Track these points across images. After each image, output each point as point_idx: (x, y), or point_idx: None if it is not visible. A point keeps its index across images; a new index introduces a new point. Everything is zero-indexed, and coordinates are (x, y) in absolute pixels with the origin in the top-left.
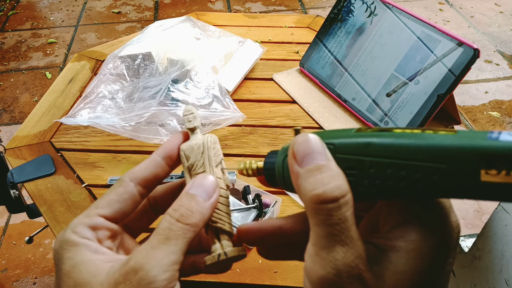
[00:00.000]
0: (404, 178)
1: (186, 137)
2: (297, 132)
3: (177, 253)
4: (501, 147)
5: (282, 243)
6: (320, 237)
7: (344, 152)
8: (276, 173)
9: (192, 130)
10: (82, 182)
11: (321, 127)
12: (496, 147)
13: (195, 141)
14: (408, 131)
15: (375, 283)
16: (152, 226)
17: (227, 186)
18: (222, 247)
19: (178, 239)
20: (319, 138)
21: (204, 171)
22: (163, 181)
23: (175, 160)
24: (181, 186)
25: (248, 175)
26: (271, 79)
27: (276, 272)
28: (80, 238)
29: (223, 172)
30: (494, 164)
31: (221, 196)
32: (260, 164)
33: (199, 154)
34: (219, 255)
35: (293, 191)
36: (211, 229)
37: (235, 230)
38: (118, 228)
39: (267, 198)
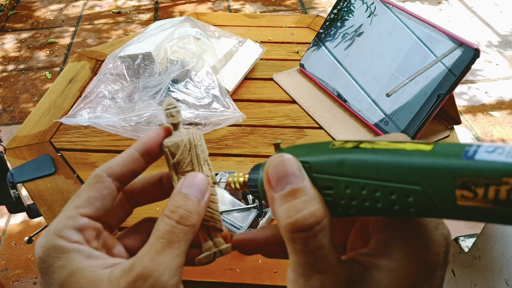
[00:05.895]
0: (380, 199)
1: (168, 133)
2: (277, 147)
3: (181, 255)
4: (476, 169)
5: (277, 250)
6: (297, 265)
7: (319, 171)
8: (259, 190)
9: (175, 125)
10: (82, 182)
11: (321, 127)
12: (471, 169)
13: (179, 138)
14: (384, 146)
15: None
16: (127, 222)
17: (214, 183)
18: (216, 245)
19: (181, 241)
20: (294, 158)
21: (192, 169)
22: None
23: (153, 157)
24: (160, 180)
25: (236, 189)
26: (271, 79)
27: (276, 272)
28: (70, 243)
29: (210, 169)
30: (470, 187)
31: (211, 194)
32: (247, 177)
33: (186, 151)
34: (214, 253)
35: None
36: (202, 227)
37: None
38: (100, 227)
39: None
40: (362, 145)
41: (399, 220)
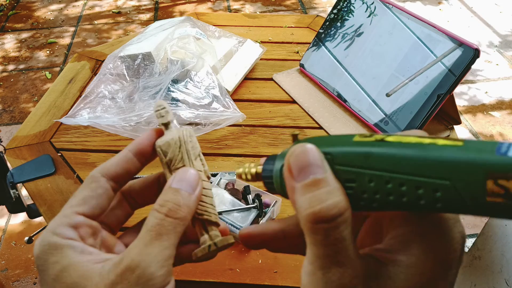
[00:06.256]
0: (406, 194)
1: (160, 134)
2: (295, 137)
3: (170, 248)
4: (509, 164)
5: (285, 245)
6: (316, 257)
7: (342, 163)
8: (274, 181)
9: (166, 125)
10: (82, 182)
11: (321, 127)
12: (505, 164)
13: (170, 136)
14: (412, 140)
15: None
16: (129, 223)
17: (208, 177)
18: (211, 238)
19: (169, 234)
20: (316, 148)
21: (183, 165)
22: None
23: (147, 157)
24: (157, 180)
25: (247, 180)
26: (271, 79)
27: (276, 272)
28: (64, 239)
29: (203, 164)
30: (502, 183)
31: (204, 188)
32: (260, 168)
33: (177, 149)
34: (209, 246)
35: None
36: (197, 221)
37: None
38: (97, 225)
39: (267, 198)
40: (388, 139)
41: (418, 216)
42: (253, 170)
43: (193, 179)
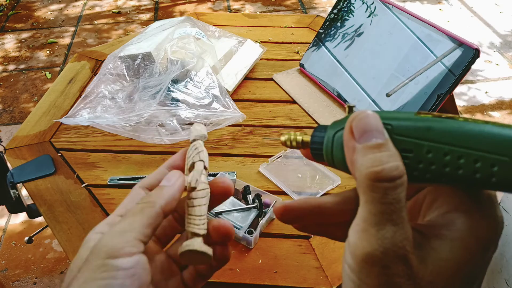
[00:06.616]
0: (463, 166)
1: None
2: (350, 109)
3: (134, 223)
4: None
5: (319, 222)
6: (371, 214)
7: (402, 134)
8: (324, 147)
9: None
10: (82, 182)
11: None
12: None
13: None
14: (471, 119)
15: (418, 266)
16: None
17: (193, 188)
18: (190, 244)
19: (135, 215)
20: (378, 115)
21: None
22: None
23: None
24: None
25: (291, 147)
26: (271, 79)
27: (276, 272)
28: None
29: (201, 175)
30: None
31: (189, 199)
32: (306, 137)
33: (190, 157)
34: (182, 252)
35: (339, 167)
36: (186, 232)
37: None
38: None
39: (267, 198)
40: (447, 117)
41: (462, 196)
42: (300, 138)
43: (170, 175)
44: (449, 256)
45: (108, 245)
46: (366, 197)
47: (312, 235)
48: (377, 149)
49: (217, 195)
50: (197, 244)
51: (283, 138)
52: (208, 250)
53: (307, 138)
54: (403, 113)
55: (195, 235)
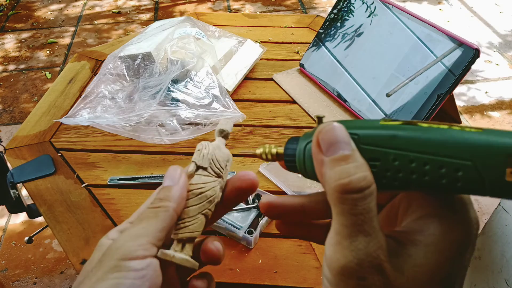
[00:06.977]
0: (429, 173)
1: None
2: (319, 119)
3: (147, 228)
4: None
5: (301, 221)
6: (343, 226)
7: (368, 143)
8: (297, 159)
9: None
10: (82, 182)
11: None
12: None
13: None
14: (434, 125)
15: (394, 274)
16: None
17: (190, 194)
18: (175, 252)
19: (149, 219)
20: (344, 127)
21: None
22: None
23: None
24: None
25: (267, 160)
26: (271, 79)
27: (276, 272)
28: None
29: (198, 179)
30: None
31: (188, 200)
32: (280, 149)
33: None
34: (169, 255)
35: (312, 178)
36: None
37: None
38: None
39: None
40: (411, 124)
41: (434, 201)
42: (274, 150)
43: (172, 173)
44: (424, 262)
45: (122, 247)
46: (337, 209)
47: None
48: (344, 161)
49: (242, 190)
50: (177, 256)
51: (258, 151)
52: (188, 262)
53: (281, 150)
54: (369, 122)
55: (187, 240)
